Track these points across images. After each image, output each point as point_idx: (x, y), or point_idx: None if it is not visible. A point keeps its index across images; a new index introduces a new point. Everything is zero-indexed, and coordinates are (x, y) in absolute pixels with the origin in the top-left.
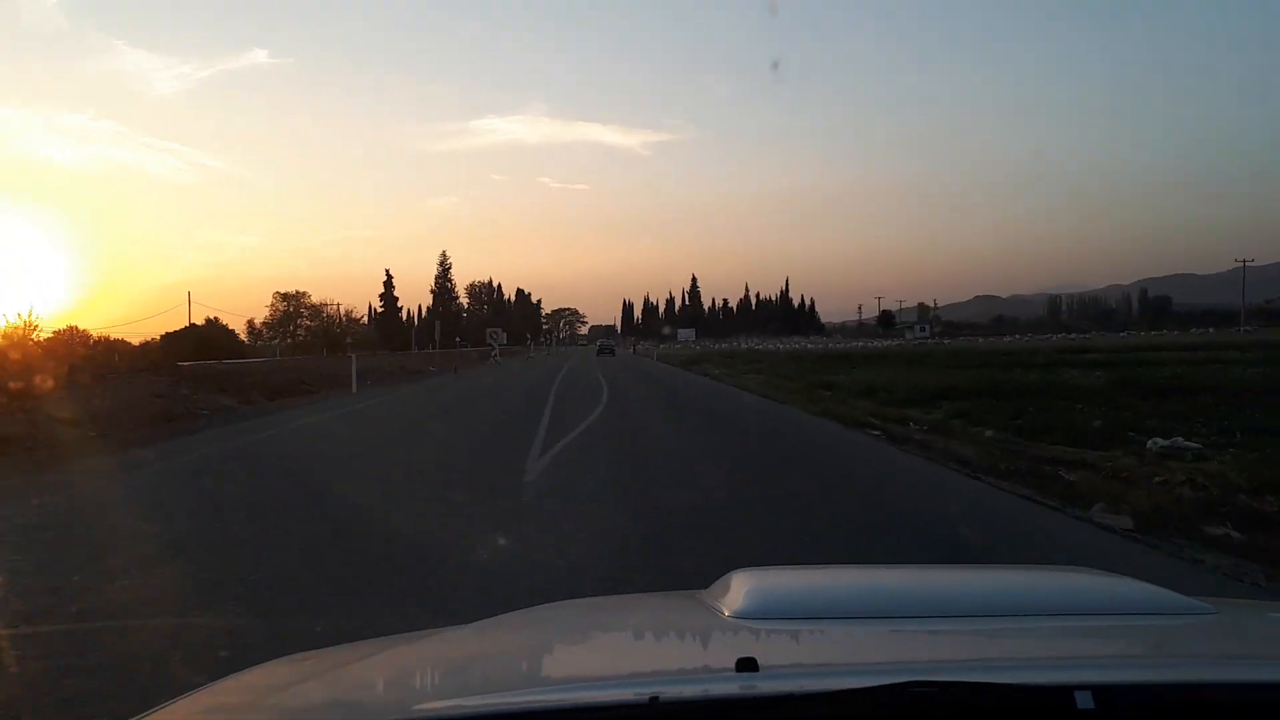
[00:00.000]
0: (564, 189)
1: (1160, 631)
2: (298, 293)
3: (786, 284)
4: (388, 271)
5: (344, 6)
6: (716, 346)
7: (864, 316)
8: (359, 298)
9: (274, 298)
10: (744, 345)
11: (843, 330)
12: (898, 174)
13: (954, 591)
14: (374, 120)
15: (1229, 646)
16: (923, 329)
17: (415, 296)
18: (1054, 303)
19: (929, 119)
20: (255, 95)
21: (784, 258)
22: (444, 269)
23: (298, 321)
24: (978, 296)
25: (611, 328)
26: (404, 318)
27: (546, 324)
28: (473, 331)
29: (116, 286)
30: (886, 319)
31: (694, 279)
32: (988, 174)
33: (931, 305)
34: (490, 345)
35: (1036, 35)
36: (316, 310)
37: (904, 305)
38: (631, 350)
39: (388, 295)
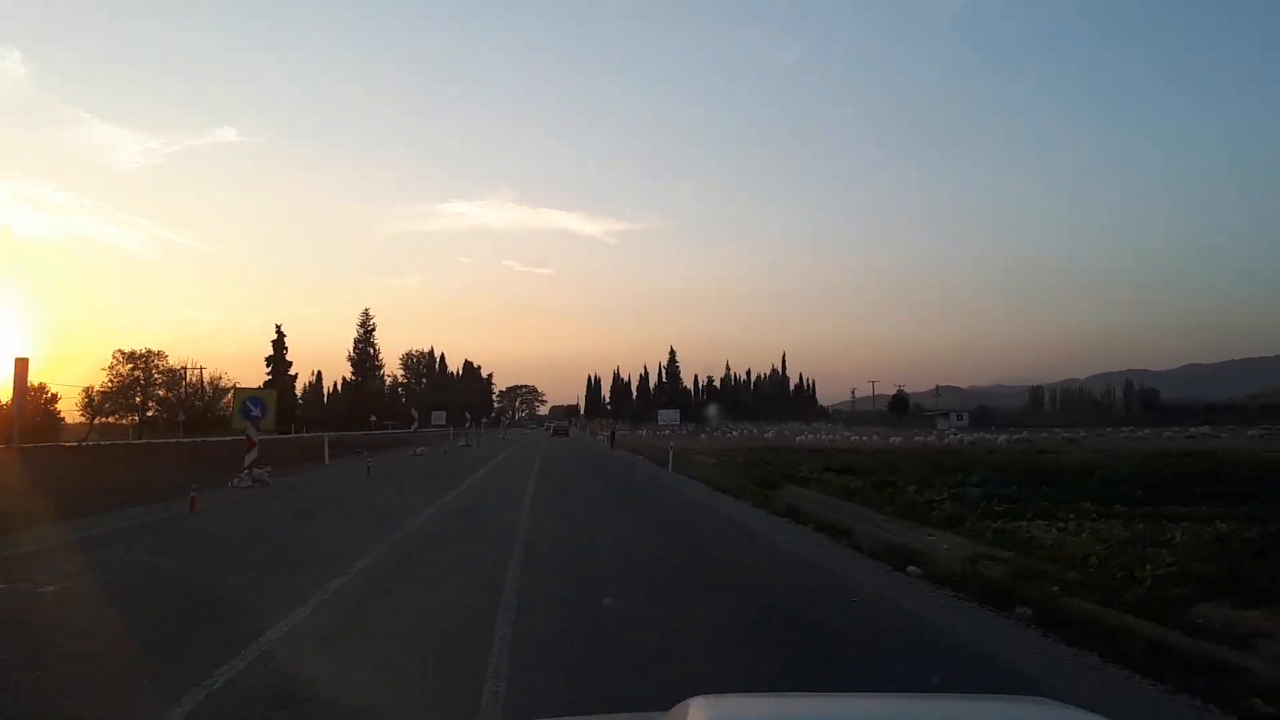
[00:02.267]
0: (528, 272)
1: None
2: (148, 352)
3: (784, 361)
4: (278, 329)
5: (315, 89)
6: (725, 434)
7: (857, 398)
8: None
9: (115, 357)
10: (739, 432)
11: (849, 415)
12: (865, 265)
13: None
14: (340, 200)
15: None
16: (960, 418)
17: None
18: (1036, 394)
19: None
20: (222, 172)
21: (764, 340)
22: (366, 331)
23: (149, 390)
24: (940, 385)
25: (574, 408)
26: (307, 388)
27: (500, 402)
28: (408, 409)
29: (76, 360)
30: (901, 404)
31: (672, 352)
32: (953, 266)
33: (936, 392)
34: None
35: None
36: (174, 376)
37: (878, 391)
38: (608, 440)
39: (277, 358)
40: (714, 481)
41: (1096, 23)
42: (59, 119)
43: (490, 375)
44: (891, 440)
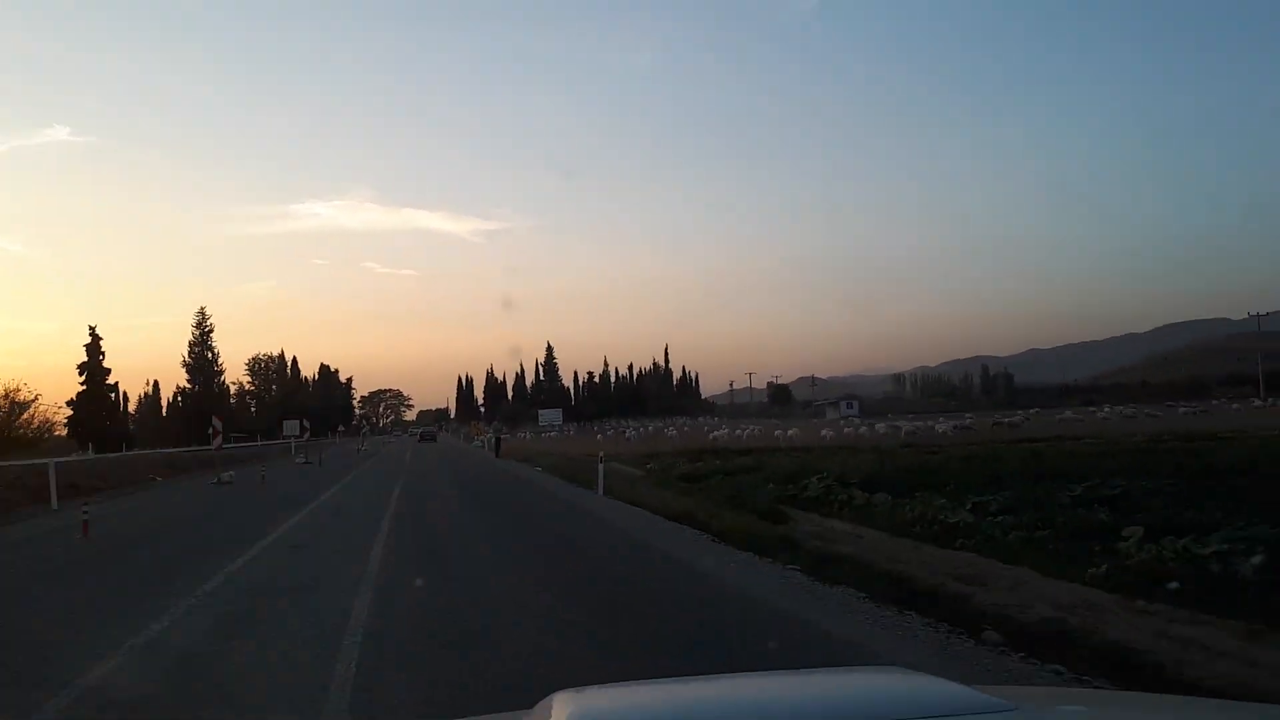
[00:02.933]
0: (391, 274)
1: None
2: None
3: (666, 354)
4: (92, 331)
5: (152, 83)
6: (620, 433)
7: (735, 389)
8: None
9: None
10: (635, 431)
11: (731, 409)
12: (728, 259)
13: (779, 702)
14: (185, 202)
15: None
16: (850, 406)
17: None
18: (898, 381)
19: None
20: (55, 174)
21: (640, 335)
22: (203, 333)
23: None
24: (803, 377)
25: (444, 412)
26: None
27: (363, 409)
28: (261, 419)
29: None
30: (782, 395)
31: (549, 348)
32: (809, 260)
33: (811, 381)
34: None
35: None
36: None
37: (753, 382)
38: (488, 445)
39: (92, 365)
40: (688, 516)
41: (941, 22)
42: None
43: (350, 380)
44: (823, 434)
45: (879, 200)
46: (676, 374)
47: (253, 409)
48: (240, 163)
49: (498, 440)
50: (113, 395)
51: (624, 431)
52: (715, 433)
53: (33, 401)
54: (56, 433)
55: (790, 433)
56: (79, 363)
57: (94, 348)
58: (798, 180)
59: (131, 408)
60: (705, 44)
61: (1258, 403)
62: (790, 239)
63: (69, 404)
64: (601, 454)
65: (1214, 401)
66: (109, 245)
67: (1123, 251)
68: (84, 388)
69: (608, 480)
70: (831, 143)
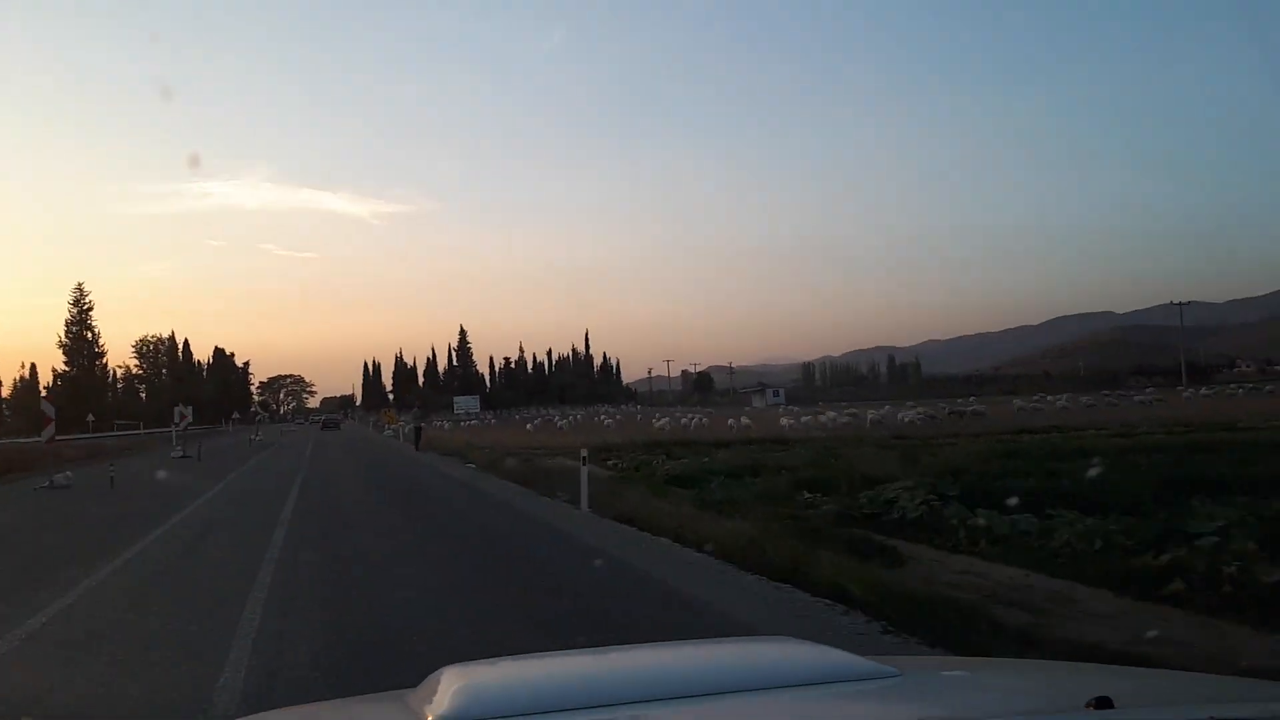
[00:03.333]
0: (290, 256)
1: (850, 698)
2: None
3: (586, 340)
4: None
5: (35, 57)
6: (548, 421)
7: (653, 376)
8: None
9: None
10: (566, 419)
11: (652, 396)
12: (641, 246)
13: (667, 672)
14: (74, 177)
15: (910, 711)
16: (776, 394)
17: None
18: (807, 370)
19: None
20: None
21: (555, 321)
22: (81, 311)
23: None
24: (717, 365)
25: (349, 399)
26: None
27: (262, 395)
28: (152, 406)
29: None
30: (704, 382)
31: (463, 332)
32: (715, 249)
33: (729, 369)
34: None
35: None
36: None
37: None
38: (404, 435)
39: None
40: (784, 570)
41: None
42: None
43: (247, 364)
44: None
45: (786, 189)
46: (597, 360)
47: (143, 395)
48: (133, 137)
49: (418, 431)
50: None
51: (553, 419)
52: (659, 422)
53: None
54: None
55: (744, 422)
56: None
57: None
58: (708, 167)
59: (5, 393)
60: (617, 20)
61: (1187, 393)
62: (699, 226)
63: None
64: (584, 452)
65: (1133, 391)
66: None
67: (1016, 244)
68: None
69: (577, 482)
70: (742, 127)
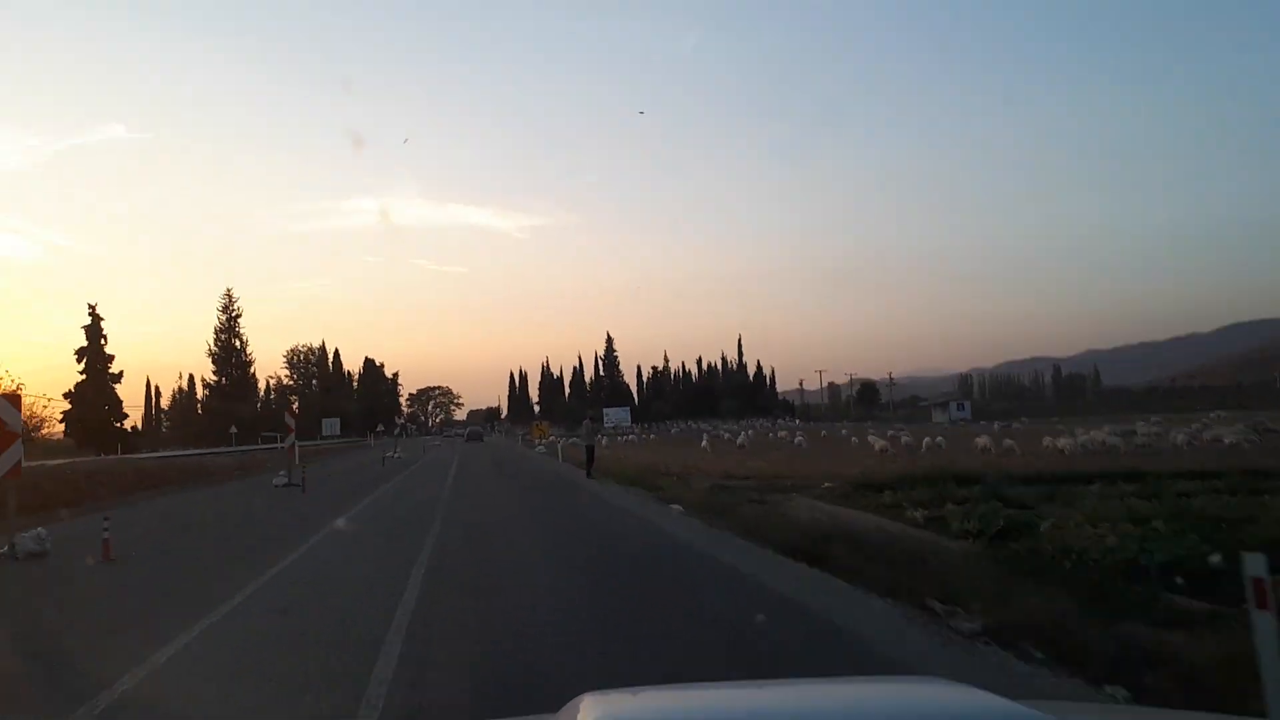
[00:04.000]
0: (440, 271)
1: None
2: None
3: (740, 347)
4: (92, 311)
5: (204, 82)
6: (719, 437)
7: (805, 388)
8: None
9: None
10: (740, 435)
11: (811, 409)
12: (779, 252)
13: (811, 710)
14: (235, 199)
15: None
16: (961, 408)
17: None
18: (965, 381)
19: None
20: (110, 172)
21: (700, 331)
22: (230, 318)
23: None
24: (873, 378)
25: (494, 410)
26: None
27: (411, 407)
28: (302, 417)
29: None
30: (869, 394)
31: (609, 340)
32: (869, 257)
33: (889, 382)
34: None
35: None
36: None
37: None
38: (562, 455)
39: (92, 350)
40: None
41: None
42: None
43: (396, 375)
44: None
45: (940, 197)
46: (750, 369)
47: (295, 406)
48: (290, 161)
49: (590, 452)
50: (116, 385)
51: (720, 435)
52: (878, 442)
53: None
54: (45, 431)
55: (994, 443)
56: (77, 348)
57: (94, 330)
58: (850, 173)
59: (165, 404)
60: (757, 20)
61: None
62: (849, 235)
63: (65, 396)
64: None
65: None
66: (163, 242)
67: (1183, 247)
68: (84, 376)
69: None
70: (893, 129)
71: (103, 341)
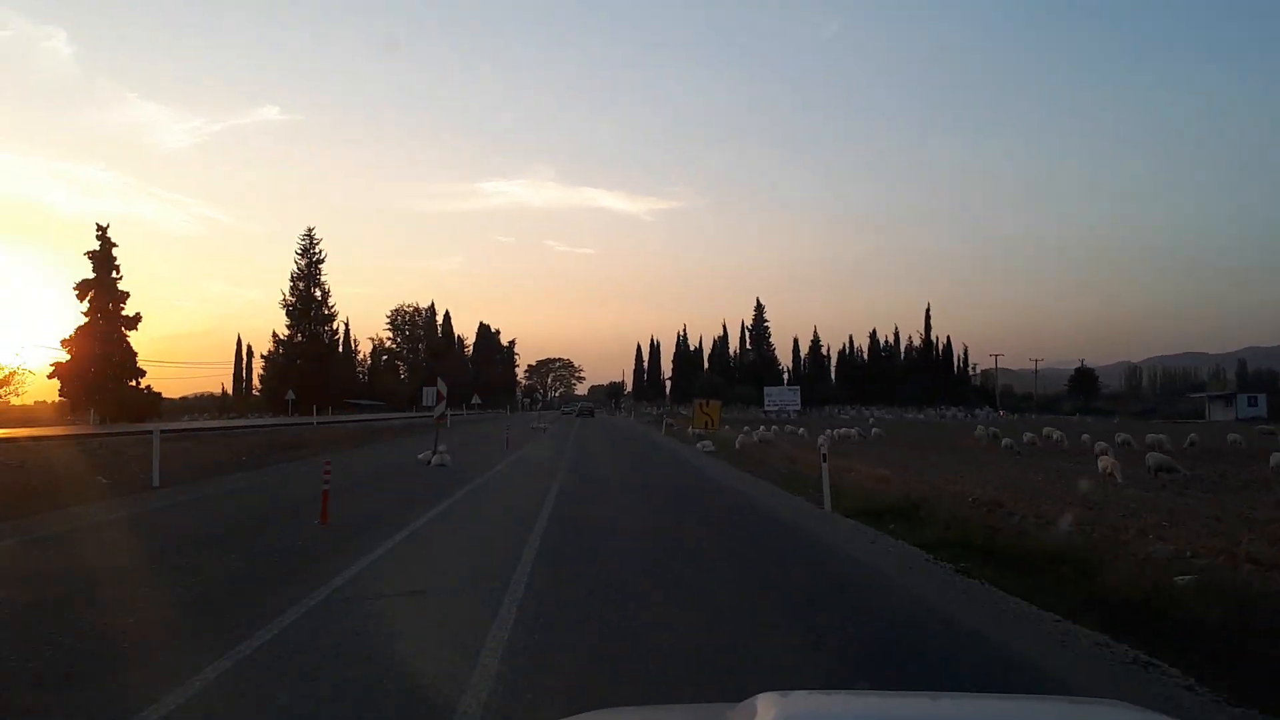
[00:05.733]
0: (569, 252)
1: None
2: None
3: (928, 317)
4: (101, 230)
5: (355, 68)
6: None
7: (980, 371)
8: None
9: None
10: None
11: (1002, 399)
12: (912, 237)
13: None
14: (380, 179)
15: None
16: (1253, 403)
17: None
18: (1133, 373)
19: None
20: (264, 151)
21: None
22: (310, 262)
23: None
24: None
25: (618, 385)
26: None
27: (530, 379)
28: (412, 383)
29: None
30: (1086, 380)
31: (759, 307)
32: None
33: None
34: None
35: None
36: None
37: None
38: (743, 447)
39: (100, 284)
40: None
41: None
42: (104, 99)
43: (513, 342)
44: None
45: (1105, 181)
46: (938, 346)
47: (403, 373)
48: (431, 143)
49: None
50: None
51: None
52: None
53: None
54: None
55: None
56: (78, 281)
57: (104, 259)
58: (996, 159)
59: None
60: (897, 6)
61: None
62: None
63: (63, 345)
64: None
65: None
66: (313, 219)
67: None
68: (85, 319)
69: None
70: (1031, 118)
71: (115, 275)
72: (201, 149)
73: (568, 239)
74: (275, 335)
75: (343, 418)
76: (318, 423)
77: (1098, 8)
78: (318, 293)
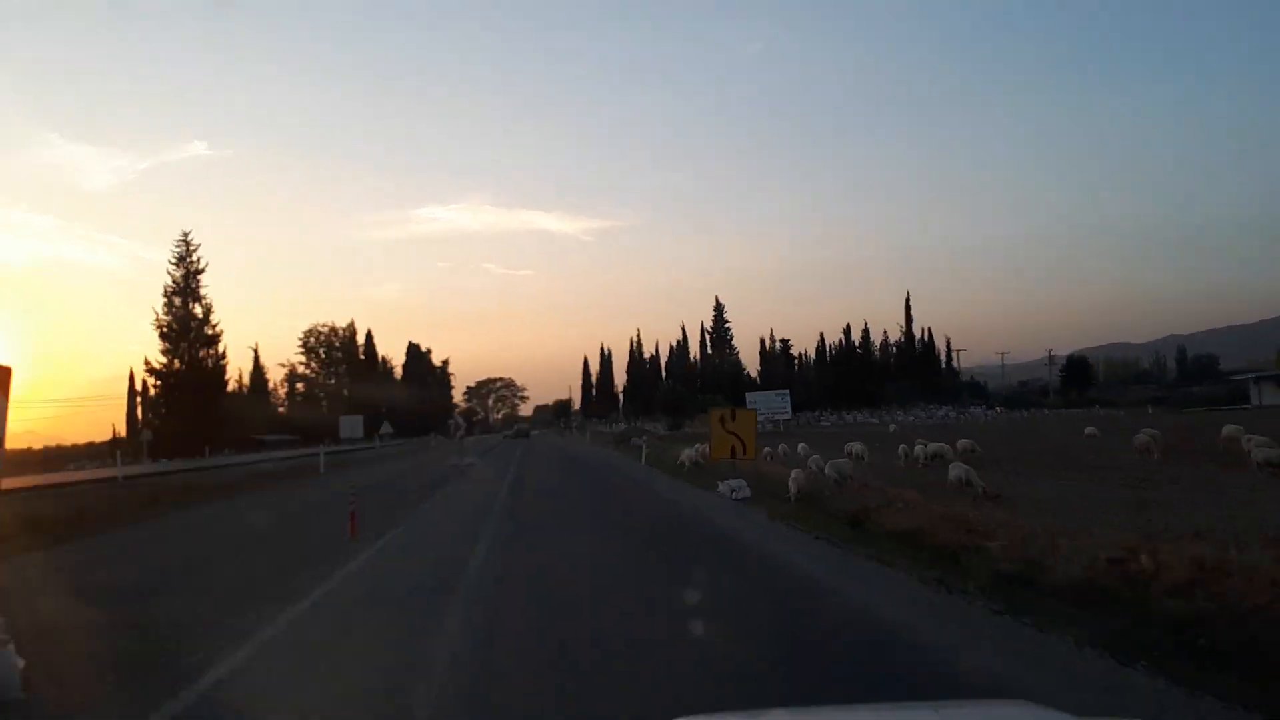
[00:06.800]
0: (509, 274)
1: None
2: None
3: (908, 307)
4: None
5: (282, 99)
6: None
7: (1005, 364)
8: None
9: None
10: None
11: (1004, 394)
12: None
13: None
14: (314, 210)
15: None
16: None
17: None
18: (1158, 358)
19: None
20: (193, 187)
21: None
22: (188, 272)
23: None
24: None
25: (565, 404)
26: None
27: (470, 401)
28: (328, 414)
29: (56, 381)
30: (1079, 370)
31: (718, 306)
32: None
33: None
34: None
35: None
36: None
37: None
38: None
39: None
40: None
41: None
42: (22, 140)
43: (446, 363)
44: None
45: (1065, 177)
46: (919, 343)
47: (323, 401)
48: (364, 172)
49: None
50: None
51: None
52: None
53: None
54: None
55: None
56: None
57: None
58: (922, 167)
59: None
60: (819, 26)
61: None
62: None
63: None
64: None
65: None
66: (246, 254)
67: None
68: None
69: None
70: (960, 121)
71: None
72: (128, 187)
73: (506, 261)
74: (148, 364)
75: (221, 461)
76: (165, 471)
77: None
78: (198, 309)
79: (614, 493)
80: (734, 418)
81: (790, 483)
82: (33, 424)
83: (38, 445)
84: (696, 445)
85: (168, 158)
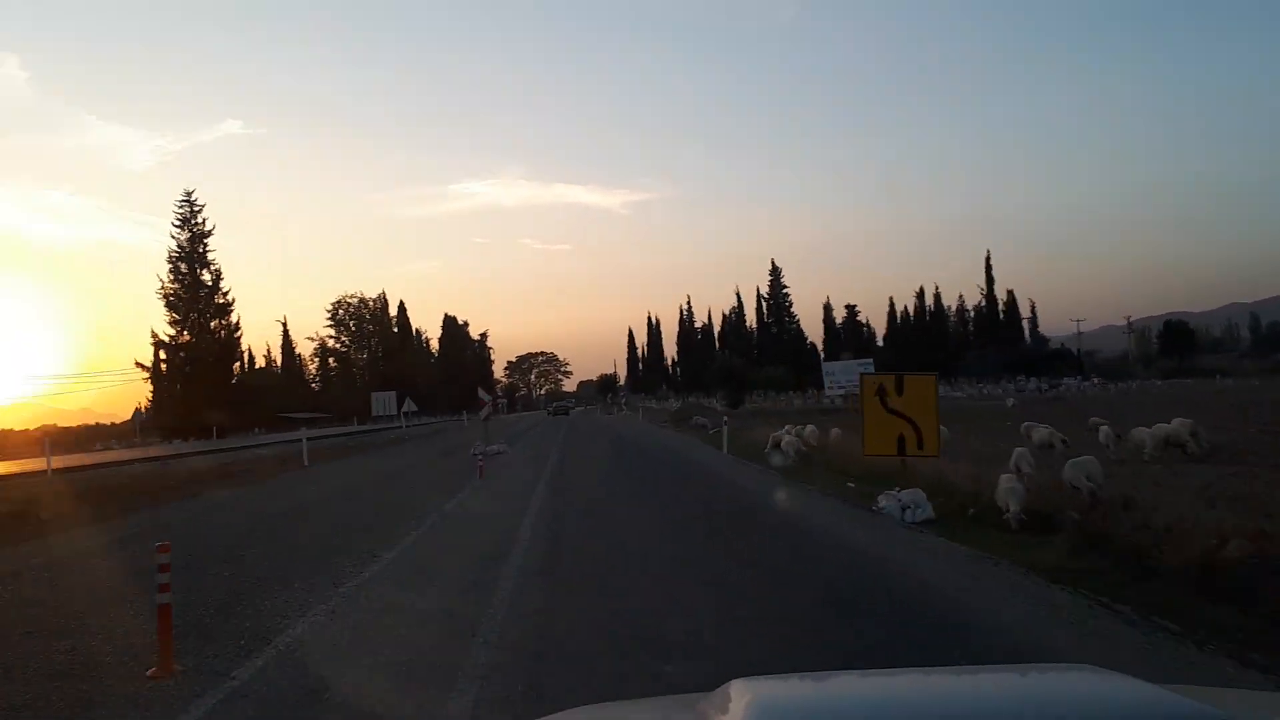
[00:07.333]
0: (546, 249)
1: None
2: None
3: (988, 268)
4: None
5: (316, 77)
6: None
7: (1082, 331)
8: None
9: None
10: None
11: (1103, 363)
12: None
13: (965, 699)
14: (350, 187)
15: None
16: None
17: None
18: (1255, 322)
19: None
20: (229, 166)
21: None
22: (194, 236)
23: None
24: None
25: (610, 378)
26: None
27: (511, 376)
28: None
29: (100, 360)
30: (1181, 336)
31: (775, 270)
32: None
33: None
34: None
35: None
36: None
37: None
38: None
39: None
40: None
41: None
42: (62, 123)
43: (484, 335)
44: None
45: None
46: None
47: (358, 377)
48: (399, 148)
49: None
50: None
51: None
52: None
53: None
54: None
55: None
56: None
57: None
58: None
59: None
60: None
61: None
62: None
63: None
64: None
65: None
66: (284, 231)
67: None
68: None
69: None
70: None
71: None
72: (166, 168)
73: (543, 236)
74: (154, 336)
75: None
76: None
77: None
78: (206, 275)
79: (713, 513)
80: (900, 389)
81: (1005, 496)
82: (89, 402)
83: (90, 422)
84: (787, 427)
85: (203, 138)
